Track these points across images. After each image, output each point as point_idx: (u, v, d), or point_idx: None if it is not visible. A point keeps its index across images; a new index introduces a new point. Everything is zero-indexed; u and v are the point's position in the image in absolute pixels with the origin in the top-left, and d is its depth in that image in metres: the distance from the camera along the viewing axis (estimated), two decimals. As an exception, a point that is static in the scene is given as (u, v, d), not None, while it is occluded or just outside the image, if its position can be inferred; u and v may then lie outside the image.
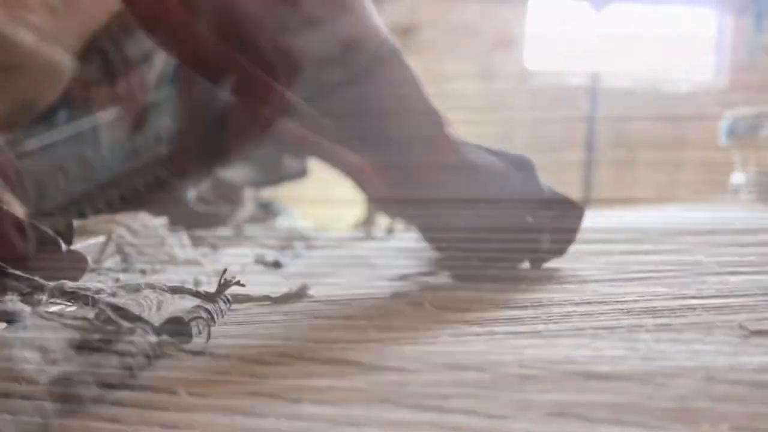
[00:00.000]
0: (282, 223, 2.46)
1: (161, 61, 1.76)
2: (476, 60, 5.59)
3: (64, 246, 0.80)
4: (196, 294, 0.69)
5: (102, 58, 1.67)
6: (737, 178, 2.81)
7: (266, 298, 0.76)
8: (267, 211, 2.63)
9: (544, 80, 5.73)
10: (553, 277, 0.89)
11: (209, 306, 0.68)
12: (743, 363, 0.47)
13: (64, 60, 1.64)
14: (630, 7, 5.67)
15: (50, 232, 0.80)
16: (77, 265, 0.79)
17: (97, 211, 1.38)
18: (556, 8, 5.80)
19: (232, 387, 0.49)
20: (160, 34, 0.93)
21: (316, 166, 2.24)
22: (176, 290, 0.69)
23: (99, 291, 0.64)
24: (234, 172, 2.18)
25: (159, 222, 1.10)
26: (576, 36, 5.66)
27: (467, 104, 5.58)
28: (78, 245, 0.88)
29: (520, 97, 5.64)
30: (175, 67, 1.82)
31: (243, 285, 0.78)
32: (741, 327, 0.55)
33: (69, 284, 0.67)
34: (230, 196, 2.29)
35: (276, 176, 2.24)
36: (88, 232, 0.98)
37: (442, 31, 5.54)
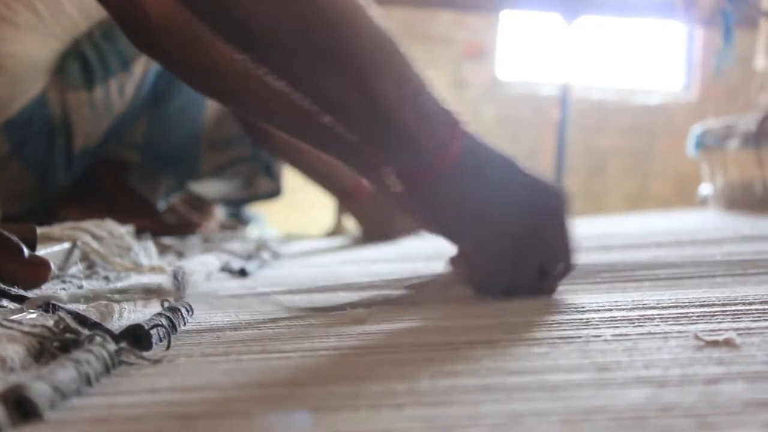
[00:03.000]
0: (252, 231, 2.46)
1: (140, 70, 1.76)
2: (448, 69, 5.60)
3: (27, 252, 0.80)
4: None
5: (83, 63, 1.67)
6: (705, 189, 2.83)
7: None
8: (237, 219, 2.63)
9: (516, 90, 5.74)
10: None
11: (170, 314, 0.68)
12: (696, 373, 0.47)
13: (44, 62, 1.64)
14: (601, 20, 5.70)
15: (13, 237, 0.80)
16: (40, 271, 0.79)
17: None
18: (528, 19, 5.82)
19: (190, 395, 0.49)
20: (141, 38, 0.93)
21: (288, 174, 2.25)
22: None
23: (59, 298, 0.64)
24: (207, 189, 2.19)
25: (125, 229, 1.10)
26: (547, 47, 5.68)
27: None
28: (42, 251, 0.88)
29: (491, 106, 5.65)
30: None
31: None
32: (696, 338, 0.56)
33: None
34: (199, 205, 2.30)
35: (250, 194, 2.24)
36: (52, 239, 0.97)
37: (414, 40, 5.55)
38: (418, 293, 0.91)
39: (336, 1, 0.75)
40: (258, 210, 2.85)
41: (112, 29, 1.66)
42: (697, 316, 0.66)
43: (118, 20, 0.92)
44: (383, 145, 0.82)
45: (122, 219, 1.16)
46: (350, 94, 0.77)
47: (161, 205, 2.04)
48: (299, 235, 2.70)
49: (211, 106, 1.91)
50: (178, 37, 0.88)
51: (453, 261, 0.88)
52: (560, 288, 0.86)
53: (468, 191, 0.82)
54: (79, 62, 1.67)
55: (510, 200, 0.84)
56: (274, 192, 2.23)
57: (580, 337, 0.60)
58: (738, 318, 0.65)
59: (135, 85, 1.76)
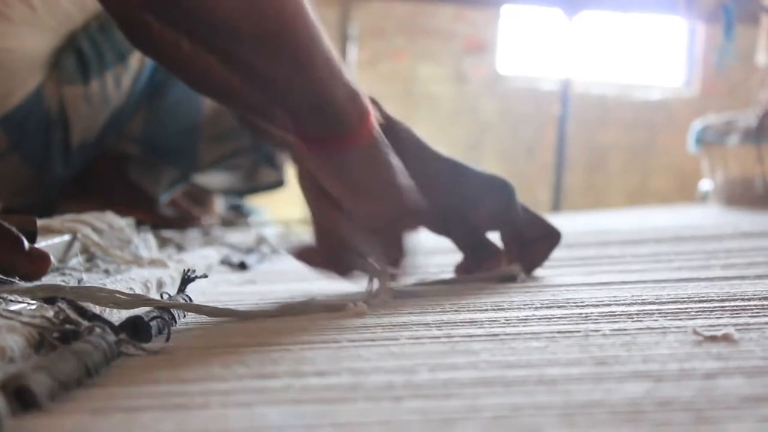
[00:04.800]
0: (252, 224, 2.46)
1: (137, 63, 1.76)
2: (449, 64, 5.61)
3: (27, 244, 0.80)
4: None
5: (79, 56, 1.67)
6: (705, 185, 2.83)
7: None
8: (237, 212, 2.63)
9: (516, 85, 5.75)
10: (514, 281, 0.90)
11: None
12: (694, 368, 0.47)
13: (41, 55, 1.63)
14: (602, 15, 5.70)
15: (13, 229, 0.80)
16: (40, 263, 0.79)
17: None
18: (529, 14, 5.82)
19: (188, 387, 0.49)
20: (138, 35, 0.93)
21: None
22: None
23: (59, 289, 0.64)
24: (211, 180, 2.19)
25: (125, 222, 1.10)
26: (548, 42, 5.68)
27: (439, 108, 5.61)
28: (42, 244, 0.88)
29: (492, 101, 5.65)
30: None
31: (206, 276, 0.79)
32: (695, 333, 0.56)
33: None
34: (200, 197, 2.30)
35: (253, 185, 2.25)
36: (53, 231, 0.97)
37: (415, 34, 5.55)
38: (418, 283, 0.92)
39: None
40: (259, 203, 2.85)
41: (109, 22, 1.66)
42: (696, 312, 0.66)
43: (115, 17, 0.92)
44: (309, 112, 0.84)
45: (122, 211, 1.16)
46: (288, 72, 0.81)
47: (164, 197, 2.04)
48: (300, 227, 2.70)
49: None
50: (173, 35, 0.89)
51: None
52: (558, 282, 0.87)
53: (382, 160, 0.87)
54: (75, 55, 1.67)
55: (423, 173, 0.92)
56: (277, 182, 2.24)
57: (579, 331, 0.60)
58: (737, 313, 0.65)
59: (132, 77, 1.76)
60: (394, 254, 0.89)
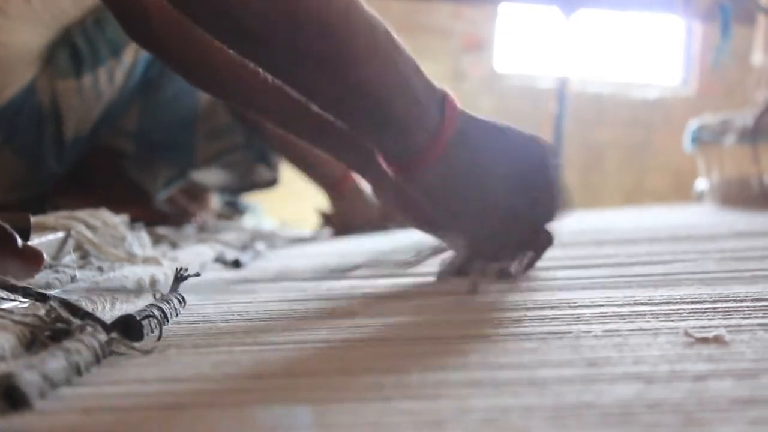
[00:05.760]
0: (247, 221, 2.46)
1: (130, 58, 1.75)
2: (446, 61, 5.60)
3: (20, 241, 0.80)
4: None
5: (73, 50, 1.66)
6: (701, 184, 2.83)
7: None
8: (233, 209, 2.63)
9: (514, 83, 5.75)
10: (507, 281, 0.90)
11: (162, 305, 0.68)
12: (684, 370, 0.47)
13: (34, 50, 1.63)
14: (599, 13, 5.70)
15: (6, 226, 0.80)
16: (33, 261, 0.79)
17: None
18: (526, 12, 5.82)
19: (177, 386, 0.49)
20: (138, 29, 0.93)
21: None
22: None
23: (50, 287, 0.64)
24: (207, 177, 2.18)
25: (119, 219, 1.10)
26: (545, 40, 5.68)
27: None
28: (36, 241, 0.87)
29: (490, 99, 5.65)
30: None
31: (198, 274, 0.79)
32: (686, 334, 0.56)
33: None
34: (195, 193, 2.30)
35: (248, 183, 2.25)
36: (46, 228, 0.97)
37: (412, 31, 5.55)
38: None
39: None
40: (255, 200, 2.85)
41: (103, 16, 1.65)
42: (688, 313, 0.66)
43: (114, 11, 0.91)
44: (373, 134, 0.82)
45: (117, 208, 1.16)
46: (337, 83, 0.78)
47: (161, 195, 2.04)
48: (296, 225, 2.70)
49: (204, 94, 1.91)
50: (174, 29, 0.88)
51: (454, 245, 0.90)
52: (552, 282, 0.87)
53: (462, 178, 0.83)
54: (69, 50, 1.66)
55: (505, 174, 0.86)
56: (271, 181, 2.24)
57: (570, 332, 0.60)
58: (729, 315, 0.65)
59: (125, 72, 1.75)
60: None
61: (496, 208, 0.85)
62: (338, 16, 0.75)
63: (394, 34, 0.80)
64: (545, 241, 0.95)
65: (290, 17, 0.73)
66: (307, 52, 0.75)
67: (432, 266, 0.97)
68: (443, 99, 0.83)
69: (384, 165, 0.84)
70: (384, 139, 0.83)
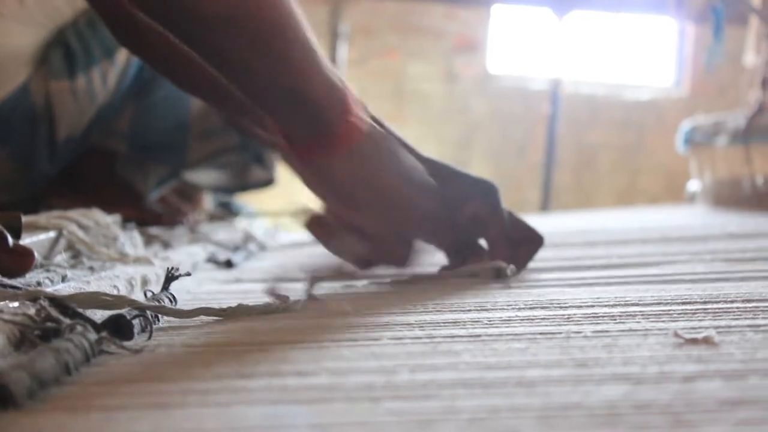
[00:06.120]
0: (240, 222, 2.45)
1: (124, 59, 1.75)
2: (439, 62, 5.61)
3: (11, 240, 0.80)
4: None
5: (66, 51, 1.66)
6: (693, 185, 2.83)
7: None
8: (226, 210, 2.62)
9: (506, 84, 5.75)
10: (498, 281, 0.90)
11: (153, 304, 0.68)
12: (673, 371, 0.47)
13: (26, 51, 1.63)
14: (592, 14, 5.70)
15: (-3, 226, 0.80)
16: (23, 260, 0.79)
17: None
18: (519, 13, 5.82)
19: (167, 386, 0.49)
20: (124, 33, 0.93)
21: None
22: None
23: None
24: (200, 177, 2.18)
25: (111, 219, 1.10)
26: (538, 41, 5.68)
27: (429, 107, 5.60)
28: (27, 240, 0.87)
29: (482, 100, 5.66)
30: None
31: (189, 274, 0.79)
32: (676, 335, 0.56)
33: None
34: (189, 194, 2.29)
35: (243, 183, 2.25)
36: (38, 227, 0.97)
37: (405, 32, 5.55)
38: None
39: None
40: (248, 201, 2.85)
41: (97, 18, 1.66)
42: (679, 314, 0.66)
43: (103, 16, 0.92)
44: (287, 113, 0.84)
45: (109, 208, 1.16)
46: (264, 60, 0.81)
47: (154, 195, 2.04)
48: (287, 227, 2.70)
49: (197, 96, 1.90)
50: (161, 34, 0.88)
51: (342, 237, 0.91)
52: (543, 282, 0.87)
53: (369, 166, 0.86)
54: (62, 51, 1.66)
55: (412, 180, 0.90)
56: (267, 181, 2.24)
57: (560, 333, 0.60)
58: (718, 316, 0.65)
59: (118, 73, 1.75)
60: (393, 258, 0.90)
61: (401, 209, 0.88)
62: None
63: (308, 29, 0.83)
64: (536, 242, 0.96)
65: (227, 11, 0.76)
66: (239, 29, 0.78)
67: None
68: (347, 95, 0.86)
69: (286, 146, 0.86)
70: (294, 119, 0.85)
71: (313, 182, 0.89)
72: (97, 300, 0.65)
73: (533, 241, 0.98)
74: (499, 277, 0.91)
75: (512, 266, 0.93)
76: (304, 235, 2.13)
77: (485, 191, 0.95)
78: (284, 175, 2.28)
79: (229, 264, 1.24)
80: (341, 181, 0.86)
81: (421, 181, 0.90)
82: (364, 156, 0.86)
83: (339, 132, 0.84)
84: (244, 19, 0.77)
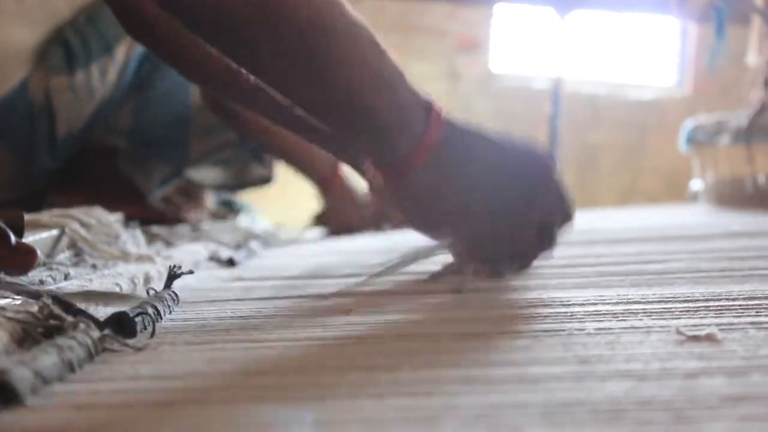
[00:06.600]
0: (242, 221, 2.45)
1: (123, 55, 1.75)
2: (441, 62, 5.60)
3: (14, 239, 0.80)
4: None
5: (65, 47, 1.66)
6: (695, 185, 2.83)
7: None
8: (228, 208, 2.62)
9: (509, 83, 5.74)
10: (501, 280, 0.90)
11: (155, 302, 0.68)
12: (676, 368, 0.47)
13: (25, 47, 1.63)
14: (594, 14, 5.70)
15: (0, 224, 0.80)
16: (26, 258, 0.79)
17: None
18: (522, 12, 5.81)
19: (170, 383, 0.49)
20: (136, 25, 0.93)
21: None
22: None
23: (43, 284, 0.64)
24: (201, 174, 2.18)
25: (114, 217, 1.10)
26: (540, 41, 5.68)
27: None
28: (30, 238, 0.87)
29: (485, 99, 5.65)
30: None
31: (192, 272, 0.79)
32: (678, 332, 0.56)
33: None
34: (190, 192, 2.29)
35: (243, 180, 2.25)
36: (41, 226, 0.97)
37: (407, 31, 5.54)
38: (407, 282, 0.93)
39: None
40: (249, 199, 2.85)
41: (96, 13, 1.66)
42: (681, 311, 0.66)
43: (112, 6, 0.91)
44: (356, 137, 0.83)
45: (111, 206, 1.16)
46: (318, 87, 0.78)
47: (157, 194, 2.04)
48: (290, 225, 2.70)
49: (197, 92, 1.90)
50: (170, 24, 0.88)
51: (451, 250, 0.90)
52: (545, 280, 0.87)
53: (450, 180, 0.84)
54: (62, 47, 1.66)
55: (498, 181, 0.86)
56: (266, 178, 2.24)
57: (563, 330, 0.60)
58: (721, 313, 0.65)
59: (118, 69, 1.75)
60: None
61: (485, 211, 0.86)
62: (321, 19, 0.75)
63: (378, 39, 0.80)
64: (547, 243, 0.95)
65: (273, 18, 0.73)
66: (289, 54, 0.75)
67: (426, 265, 0.97)
68: (429, 106, 0.84)
69: (371, 167, 0.85)
70: (367, 143, 0.83)
71: (393, 198, 0.88)
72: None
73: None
74: (493, 274, 0.91)
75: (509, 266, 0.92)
76: (307, 234, 2.14)
77: (565, 213, 0.92)
78: (282, 174, 2.28)
79: (231, 262, 1.24)
80: (422, 195, 0.85)
81: (500, 185, 0.87)
82: (440, 172, 0.84)
83: (412, 154, 0.82)
84: (302, 48, 0.75)
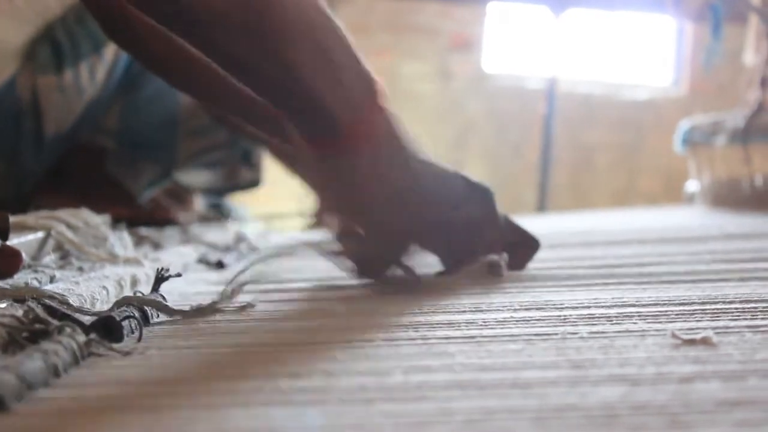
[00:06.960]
0: (232, 223, 2.45)
1: (112, 55, 1.75)
2: (434, 61, 5.60)
3: (-2, 241, 0.79)
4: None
5: (54, 46, 1.66)
6: (692, 185, 2.83)
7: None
8: (217, 211, 2.62)
9: (502, 83, 5.74)
10: (494, 282, 0.89)
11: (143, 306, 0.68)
12: (671, 372, 0.47)
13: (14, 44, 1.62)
14: (589, 13, 5.70)
15: (-16, 227, 0.79)
16: (11, 261, 0.78)
17: None
18: (515, 11, 5.82)
19: (157, 388, 0.48)
20: (114, 28, 0.92)
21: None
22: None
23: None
24: (190, 177, 2.18)
25: (101, 219, 1.09)
26: (534, 40, 5.68)
27: (423, 105, 5.59)
28: (15, 241, 0.87)
29: (478, 99, 5.65)
30: None
31: (180, 275, 0.78)
32: (673, 336, 0.55)
33: None
34: (179, 194, 2.29)
35: (231, 184, 2.25)
36: (26, 228, 0.96)
37: (400, 30, 5.54)
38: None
39: None
40: (239, 201, 2.85)
41: (86, 12, 1.65)
42: (676, 315, 0.65)
43: (93, 11, 0.91)
44: (295, 112, 0.84)
45: (99, 207, 1.15)
46: (264, 61, 0.79)
47: (146, 195, 2.03)
48: (279, 228, 2.69)
49: (186, 93, 1.90)
50: (152, 30, 0.88)
51: (342, 239, 0.90)
52: (539, 283, 0.87)
53: (383, 169, 0.85)
54: (50, 46, 1.66)
55: (432, 180, 0.89)
56: (253, 182, 2.24)
57: (556, 334, 0.59)
58: (717, 317, 0.64)
59: (106, 68, 1.74)
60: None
61: (413, 202, 0.87)
62: None
63: (331, 17, 0.83)
64: (532, 246, 0.95)
65: None
66: (235, 25, 0.76)
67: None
68: (373, 92, 0.85)
69: (300, 141, 0.86)
70: (301, 118, 0.85)
71: (319, 178, 0.88)
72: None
73: (529, 245, 0.97)
74: (492, 271, 0.91)
75: (505, 255, 0.92)
76: (296, 237, 2.13)
77: (481, 195, 0.94)
78: (270, 177, 2.28)
79: (220, 265, 1.23)
80: (350, 179, 0.85)
81: (427, 184, 0.89)
82: (376, 156, 0.84)
83: (350, 134, 0.83)
84: (242, 14, 0.76)
